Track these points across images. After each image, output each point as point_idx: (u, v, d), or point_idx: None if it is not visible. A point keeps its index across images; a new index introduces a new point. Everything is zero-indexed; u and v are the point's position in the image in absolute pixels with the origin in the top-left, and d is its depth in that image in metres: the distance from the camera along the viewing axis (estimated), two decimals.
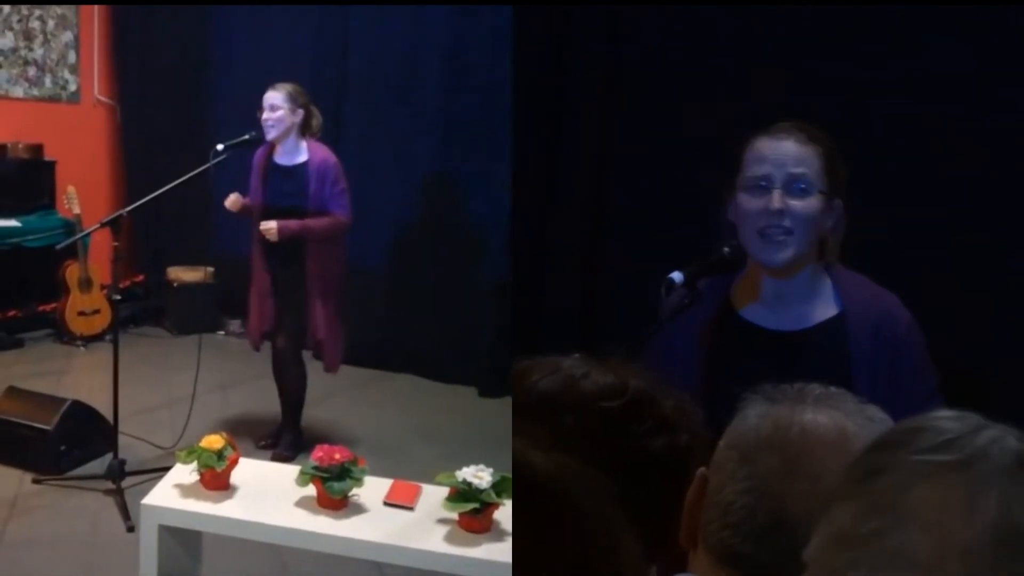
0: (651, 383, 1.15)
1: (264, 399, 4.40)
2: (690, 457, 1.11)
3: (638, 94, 2.92)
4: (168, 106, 6.29)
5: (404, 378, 5.35)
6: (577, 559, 0.78)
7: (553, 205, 3.04)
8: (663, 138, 2.82)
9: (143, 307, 6.26)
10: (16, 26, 6.08)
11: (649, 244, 2.71)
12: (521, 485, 0.82)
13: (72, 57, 6.39)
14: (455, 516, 2.28)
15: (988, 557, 0.69)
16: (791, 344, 1.89)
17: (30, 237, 5.65)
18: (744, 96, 2.63)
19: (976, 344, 2.47)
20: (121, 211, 3.69)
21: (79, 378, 5.06)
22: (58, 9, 6.26)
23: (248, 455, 2.82)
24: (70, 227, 5.48)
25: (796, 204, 1.84)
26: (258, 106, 3.90)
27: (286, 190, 3.91)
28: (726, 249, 1.88)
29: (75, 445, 3.80)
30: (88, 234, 4.16)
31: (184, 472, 2.47)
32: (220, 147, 3.78)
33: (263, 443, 4.16)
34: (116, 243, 3.60)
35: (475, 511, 2.23)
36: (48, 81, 6.28)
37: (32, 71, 6.19)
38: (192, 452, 2.44)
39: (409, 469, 3.00)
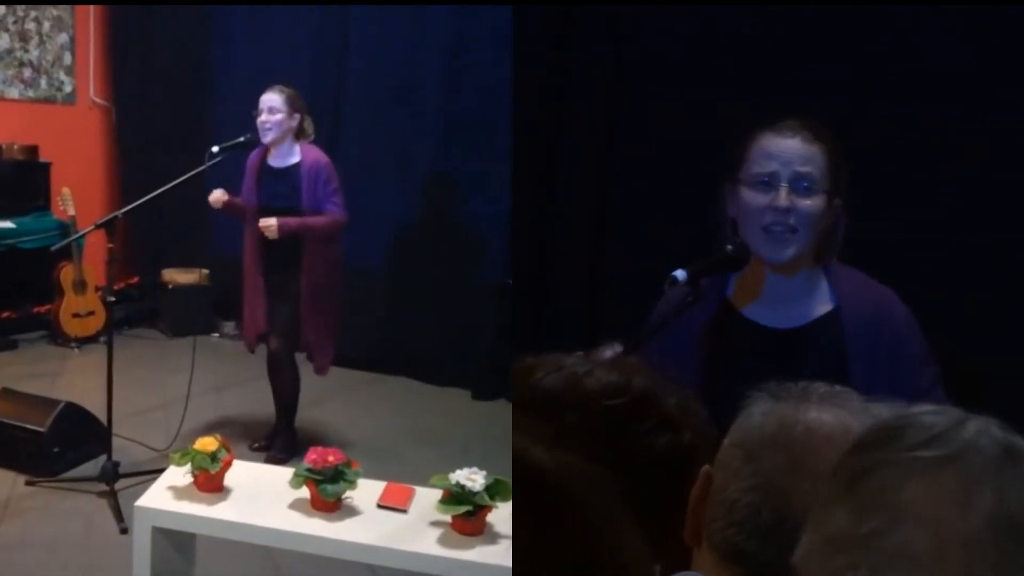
0: (655, 381, 1.14)
1: (258, 401, 4.38)
2: (694, 455, 1.10)
3: (638, 94, 2.92)
4: (163, 108, 6.29)
5: (398, 380, 5.34)
6: (581, 557, 0.76)
7: (553, 205, 3.04)
8: (663, 138, 2.82)
9: (138, 309, 6.24)
10: (12, 27, 6.07)
11: (649, 244, 2.70)
12: (523, 483, 0.81)
13: (68, 59, 6.37)
14: (448, 519, 2.28)
15: (989, 548, 0.69)
16: (789, 341, 1.90)
17: (25, 239, 5.63)
18: (744, 96, 2.62)
19: (976, 344, 2.46)
20: (116, 213, 3.69)
21: (73, 380, 5.04)
22: (54, 10, 6.25)
23: (242, 457, 2.81)
24: (65, 229, 5.47)
25: (801, 203, 1.84)
26: (255, 107, 3.90)
27: (280, 191, 3.92)
28: (730, 247, 1.87)
29: (69, 447, 3.78)
30: (83, 236, 4.14)
31: (178, 474, 2.46)
32: (215, 149, 3.78)
33: (257, 445, 4.16)
34: (111, 245, 3.59)
35: (468, 514, 2.23)
36: (44, 82, 6.27)
37: (28, 72, 6.18)
38: (186, 454, 2.44)
39: (402, 472, 2.98)
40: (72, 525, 3.36)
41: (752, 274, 1.92)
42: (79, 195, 5.58)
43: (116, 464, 3.54)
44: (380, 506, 2.39)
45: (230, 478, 2.48)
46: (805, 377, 1.10)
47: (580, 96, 3.00)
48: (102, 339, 5.39)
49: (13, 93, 6.12)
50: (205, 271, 5.96)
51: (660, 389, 1.13)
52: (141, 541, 2.36)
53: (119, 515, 3.34)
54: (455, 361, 5.24)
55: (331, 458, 2.35)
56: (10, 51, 6.07)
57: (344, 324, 4.22)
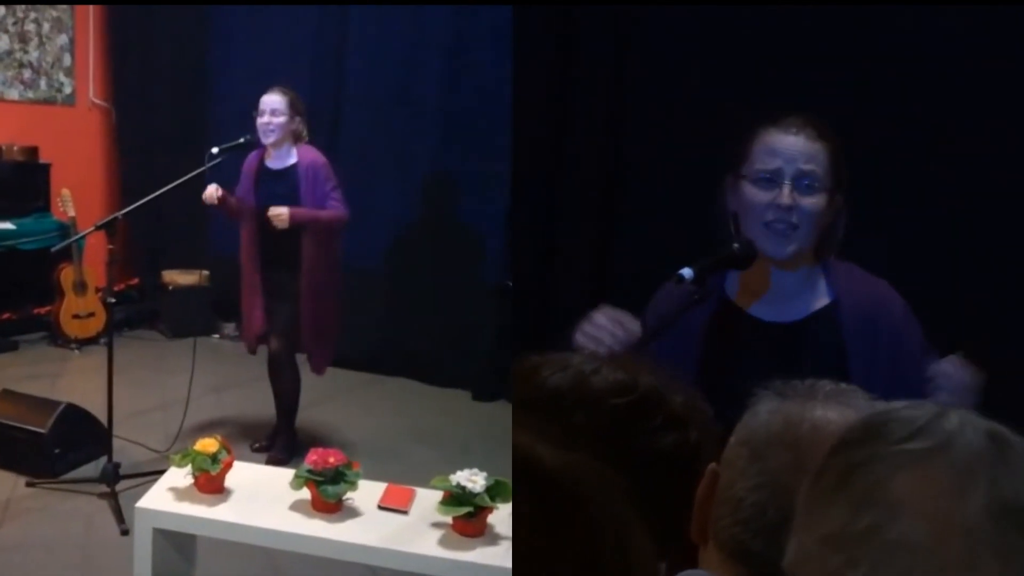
0: (661, 379, 1.14)
1: (259, 402, 4.38)
2: (700, 453, 1.10)
3: (638, 94, 2.91)
4: (163, 109, 6.30)
5: (398, 381, 5.34)
6: (587, 555, 0.76)
7: (553, 205, 3.03)
8: (663, 138, 2.82)
9: (138, 310, 6.24)
10: (11, 28, 6.06)
11: (650, 244, 2.70)
12: (528, 481, 0.80)
13: (67, 60, 6.37)
14: (449, 520, 2.28)
15: (988, 533, 0.69)
16: (789, 335, 1.91)
17: (25, 240, 5.62)
18: (744, 96, 2.62)
19: (976, 343, 2.46)
20: (116, 214, 3.70)
21: (73, 381, 5.04)
22: (53, 11, 6.25)
23: (242, 458, 2.82)
24: (65, 230, 5.47)
25: (804, 200, 1.85)
26: (255, 108, 3.90)
27: (278, 192, 3.92)
28: (736, 245, 1.87)
29: (69, 448, 3.78)
30: (83, 237, 4.14)
31: (178, 475, 2.46)
32: (215, 150, 3.78)
33: (257, 446, 4.16)
34: (111, 246, 3.60)
35: (469, 515, 2.23)
36: (43, 84, 6.27)
37: (27, 74, 6.17)
38: (186, 455, 2.44)
39: (403, 473, 2.99)
40: (73, 526, 3.36)
41: (753, 270, 1.92)
42: (79, 196, 5.58)
43: (117, 465, 3.53)
44: (381, 507, 2.40)
45: (231, 479, 2.48)
46: (805, 369, 1.10)
47: (580, 96, 2.99)
48: (102, 340, 5.38)
49: (13, 94, 6.11)
50: (205, 272, 5.95)
51: (667, 387, 1.13)
52: (142, 542, 2.36)
53: (120, 516, 3.34)
54: (455, 361, 5.24)
55: (332, 459, 2.35)
56: (10, 52, 6.07)
57: (344, 324, 4.22)
